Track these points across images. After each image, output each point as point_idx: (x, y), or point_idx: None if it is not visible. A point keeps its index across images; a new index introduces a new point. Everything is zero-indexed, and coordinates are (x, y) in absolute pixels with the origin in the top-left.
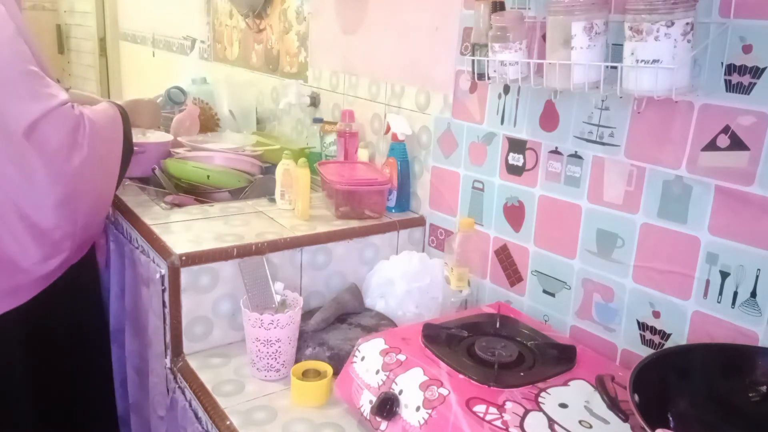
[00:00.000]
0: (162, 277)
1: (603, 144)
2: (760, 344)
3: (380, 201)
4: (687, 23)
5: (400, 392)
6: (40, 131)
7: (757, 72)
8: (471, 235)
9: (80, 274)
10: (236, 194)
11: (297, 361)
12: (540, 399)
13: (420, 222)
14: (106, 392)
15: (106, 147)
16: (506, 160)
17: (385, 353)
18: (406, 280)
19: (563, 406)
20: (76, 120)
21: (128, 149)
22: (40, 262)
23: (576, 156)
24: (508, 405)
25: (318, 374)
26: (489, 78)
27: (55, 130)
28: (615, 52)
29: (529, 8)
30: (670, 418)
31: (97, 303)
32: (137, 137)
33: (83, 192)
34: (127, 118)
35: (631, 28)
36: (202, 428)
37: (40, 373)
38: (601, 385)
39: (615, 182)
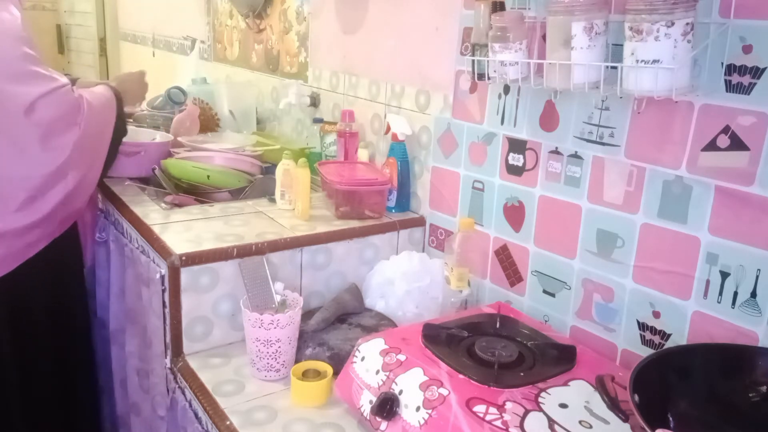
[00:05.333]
0: (162, 277)
1: (603, 144)
2: (760, 344)
3: (380, 201)
4: (687, 23)
5: (400, 392)
6: (40, 110)
7: (757, 72)
8: (471, 235)
9: (63, 256)
10: (236, 194)
11: (297, 361)
12: (540, 399)
13: (420, 222)
14: (90, 390)
15: (99, 128)
16: (506, 160)
17: (385, 353)
18: (406, 280)
19: (563, 406)
20: (76, 101)
21: (119, 131)
22: (23, 230)
23: (576, 156)
24: (508, 405)
25: (318, 374)
26: (489, 78)
27: (54, 109)
28: (615, 52)
29: (529, 8)
30: (670, 418)
31: (80, 287)
32: (138, 137)
33: (73, 168)
34: (120, 101)
35: (631, 28)
36: (202, 428)
37: (24, 359)
38: (601, 385)
39: (615, 182)
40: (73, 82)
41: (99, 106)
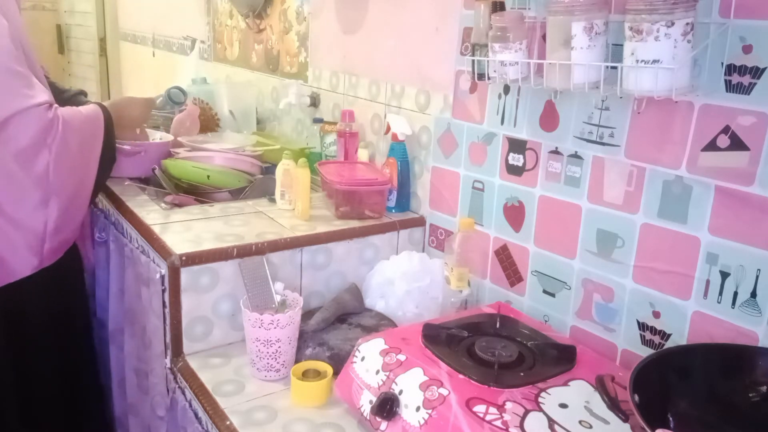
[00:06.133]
0: (162, 277)
1: (603, 144)
2: (760, 344)
3: (380, 201)
4: (687, 23)
5: (400, 392)
6: (9, 129)
7: (757, 72)
8: (471, 235)
9: (64, 263)
10: (236, 194)
11: (297, 361)
12: (540, 399)
13: (420, 222)
14: (95, 390)
15: (80, 150)
16: (506, 160)
17: (385, 353)
18: (406, 280)
19: (563, 406)
20: (49, 122)
21: (109, 154)
22: (9, 260)
23: (576, 156)
24: (508, 405)
25: (318, 374)
26: (489, 78)
27: (24, 129)
28: (615, 52)
29: (529, 8)
30: (670, 418)
31: (81, 293)
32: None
33: (53, 193)
34: (111, 123)
35: (631, 28)
36: (202, 428)
37: (22, 361)
38: (601, 385)
39: (615, 182)
40: (79, 95)
41: (78, 123)
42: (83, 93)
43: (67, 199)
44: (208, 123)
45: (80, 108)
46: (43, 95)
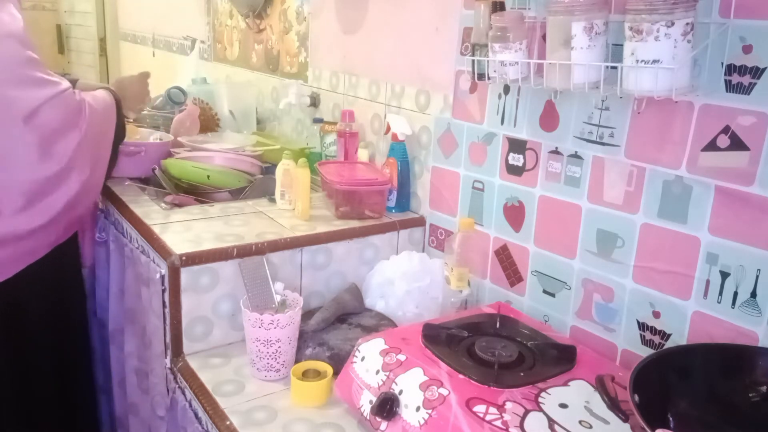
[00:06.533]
0: (162, 277)
1: (603, 144)
2: (760, 344)
3: (380, 201)
4: (687, 23)
5: (400, 392)
6: (43, 115)
7: (757, 72)
8: (471, 235)
9: (62, 260)
10: (236, 194)
11: (297, 361)
12: (540, 399)
13: (420, 222)
14: (91, 388)
15: (100, 132)
16: (506, 160)
17: (385, 353)
18: (406, 280)
19: (563, 406)
20: (78, 105)
21: (119, 136)
22: (26, 235)
23: (576, 156)
24: (508, 405)
25: (318, 374)
26: (489, 78)
27: (57, 113)
28: (615, 52)
29: (529, 8)
30: (670, 418)
31: (78, 287)
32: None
33: (75, 171)
34: (120, 105)
35: (631, 28)
36: (202, 428)
37: (20, 359)
38: (601, 385)
39: (615, 182)
40: (74, 83)
41: (101, 110)
42: (67, 74)
43: (85, 178)
44: (208, 123)
45: (95, 93)
46: (65, 81)
